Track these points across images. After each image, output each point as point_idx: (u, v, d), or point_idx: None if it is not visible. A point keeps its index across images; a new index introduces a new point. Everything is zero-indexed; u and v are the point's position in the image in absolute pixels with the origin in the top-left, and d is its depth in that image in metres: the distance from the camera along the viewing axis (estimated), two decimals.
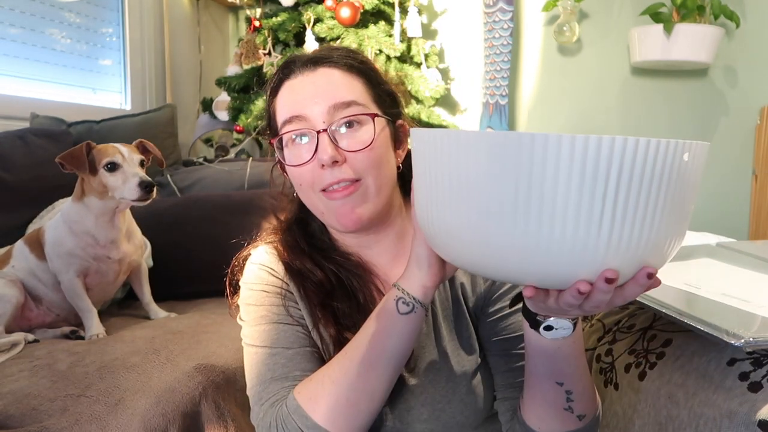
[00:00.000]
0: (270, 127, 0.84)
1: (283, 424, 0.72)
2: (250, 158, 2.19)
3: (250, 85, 2.37)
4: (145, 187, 1.28)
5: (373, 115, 0.77)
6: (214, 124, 2.54)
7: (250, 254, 0.88)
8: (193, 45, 2.79)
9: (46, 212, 1.69)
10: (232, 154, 2.49)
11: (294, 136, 0.78)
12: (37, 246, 1.37)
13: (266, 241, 0.88)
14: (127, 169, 1.30)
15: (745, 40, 2.25)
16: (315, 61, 0.79)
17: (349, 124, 0.77)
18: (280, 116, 0.80)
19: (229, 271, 0.89)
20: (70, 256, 1.34)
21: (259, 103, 2.25)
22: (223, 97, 2.44)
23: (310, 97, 0.77)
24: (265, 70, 2.29)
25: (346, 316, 0.80)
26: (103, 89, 2.39)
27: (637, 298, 0.82)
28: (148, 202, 1.31)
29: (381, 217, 0.81)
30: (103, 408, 0.98)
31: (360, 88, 0.79)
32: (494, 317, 0.82)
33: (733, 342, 0.65)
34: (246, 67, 2.39)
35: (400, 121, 0.84)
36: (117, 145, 1.33)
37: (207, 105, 2.54)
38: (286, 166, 0.81)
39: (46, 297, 1.37)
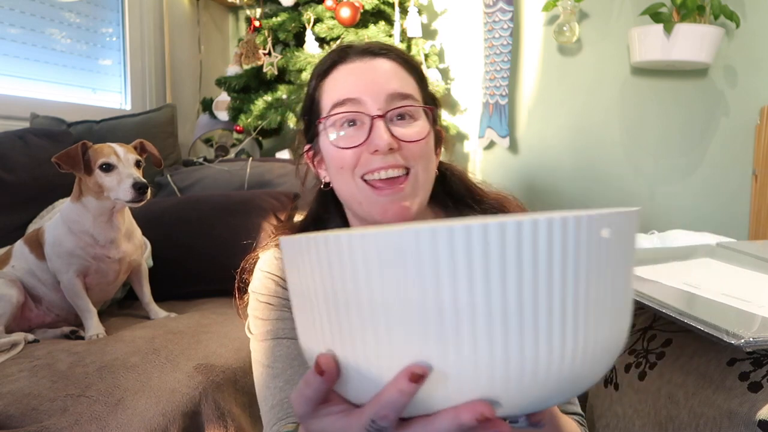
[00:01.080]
0: (311, 111, 0.81)
1: None
2: (250, 158, 2.19)
3: (250, 85, 2.37)
4: (139, 189, 1.28)
5: (431, 109, 0.77)
6: (214, 124, 2.54)
7: (259, 257, 0.86)
8: (193, 45, 2.79)
9: (46, 212, 1.69)
10: (232, 154, 2.49)
11: (344, 120, 0.75)
12: (37, 246, 1.37)
13: (276, 243, 0.86)
14: (121, 170, 1.30)
15: (745, 40, 2.25)
16: (373, 52, 0.78)
17: (401, 117, 0.75)
18: (331, 97, 0.76)
19: (238, 272, 0.87)
20: (69, 256, 1.34)
21: (259, 103, 2.25)
22: (223, 97, 2.44)
23: (368, 83, 0.75)
24: (265, 70, 2.29)
25: None
26: (103, 89, 2.39)
27: (637, 298, 0.82)
28: (143, 203, 1.31)
29: (419, 216, 0.78)
30: (103, 408, 0.98)
31: (413, 85, 0.78)
32: None
33: (733, 342, 0.65)
34: (246, 67, 2.39)
35: (437, 126, 0.83)
36: (113, 145, 1.33)
37: (207, 105, 2.54)
38: (327, 149, 0.77)
39: (46, 297, 1.37)
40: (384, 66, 0.77)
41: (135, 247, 1.43)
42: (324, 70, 0.79)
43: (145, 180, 1.30)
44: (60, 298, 1.36)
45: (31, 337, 1.28)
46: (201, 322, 1.37)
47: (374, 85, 0.74)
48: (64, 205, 1.41)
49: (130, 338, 1.24)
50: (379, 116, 0.73)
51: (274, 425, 0.74)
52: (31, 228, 1.63)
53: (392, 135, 0.73)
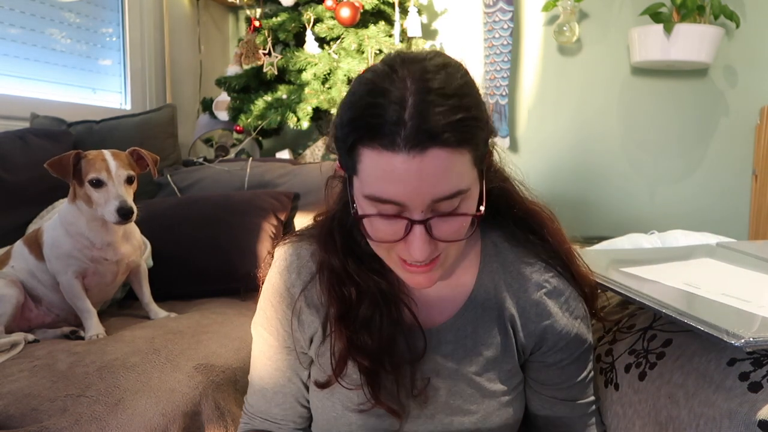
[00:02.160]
0: (347, 156, 0.68)
1: None
2: (250, 158, 2.19)
3: (250, 85, 2.38)
4: (123, 215, 1.27)
5: (477, 216, 0.70)
6: (214, 124, 2.54)
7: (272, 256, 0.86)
8: (193, 45, 2.79)
9: (46, 212, 1.69)
10: (232, 154, 2.49)
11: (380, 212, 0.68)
12: (36, 247, 1.37)
13: (295, 239, 0.85)
14: (110, 189, 1.27)
15: (745, 40, 2.25)
16: (424, 145, 0.62)
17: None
18: (369, 185, 0.66)
19: (263, 261, 0.89)
20: (67, 257, 1.33)
21: (259, 103, 2.25)
22: (223, 97, 2.44)
23: (414, 189, 0.64)
24: (265, 70, 2.29)
25: (364, 335, 0.77)
26: (103, 89, 2.39)
27: (637, 298, 0.82)
28: (127, 224, 1.32)
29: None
30: (103, 408, 0.98)
31: (467, 163, 0.66)
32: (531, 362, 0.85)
33: (733, 342, 0.65)
34: (246, 67, 2.39)
35: (487, 161, 0.76)
36: (107, 156, 1.29)
37: (207, 105, 2.54)
38: (361, 209, 0.70)
39: (46, 297, 1.37)
40: (435, 161, 0.63)
41: (134, 248, 1.43)
42: (367, 129, 0.65)
43: (131, 205, 1.27)
44: (60, 298, 1.36)
45: (31, 337, 1.28)
46: (201, 322, 1.37)
47: (420, 191, 0.64)
48: (62, 206, 1.41)
49: (130, 338, 1.24)
50: (420, 222, 0.66)
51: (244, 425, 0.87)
52: (31, 228, 1.63)
53: (431, 237, 0.67)
